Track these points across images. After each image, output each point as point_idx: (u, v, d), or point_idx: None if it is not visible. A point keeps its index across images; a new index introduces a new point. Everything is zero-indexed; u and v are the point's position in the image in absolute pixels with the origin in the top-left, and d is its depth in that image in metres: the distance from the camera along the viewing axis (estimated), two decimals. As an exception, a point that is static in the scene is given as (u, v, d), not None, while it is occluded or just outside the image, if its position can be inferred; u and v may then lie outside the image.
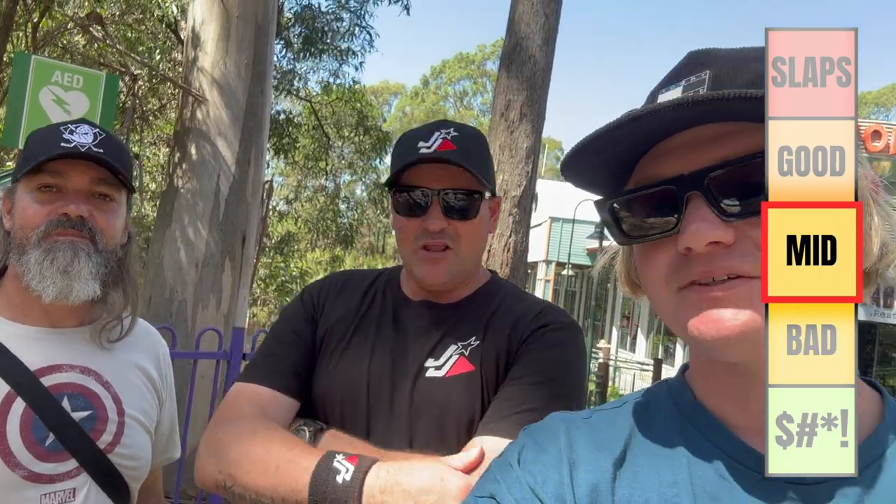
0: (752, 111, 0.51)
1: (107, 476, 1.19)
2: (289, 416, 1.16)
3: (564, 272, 20.79)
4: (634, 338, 19.97)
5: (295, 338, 1.23)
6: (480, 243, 1.23)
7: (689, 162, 0.57)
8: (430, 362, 1.16)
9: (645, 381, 14.18)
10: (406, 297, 1.26)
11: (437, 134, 1.18)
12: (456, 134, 1.18)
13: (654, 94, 0.63)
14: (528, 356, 1.13)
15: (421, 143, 1.17)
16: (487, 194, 1.20)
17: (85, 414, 1.19)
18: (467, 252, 1.19)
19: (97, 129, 1.23)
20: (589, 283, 22.64)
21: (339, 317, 1.24)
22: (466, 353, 1.16)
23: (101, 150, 1.19)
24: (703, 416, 0.62)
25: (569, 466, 0.63)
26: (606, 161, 0.63)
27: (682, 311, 0.57)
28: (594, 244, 16.59)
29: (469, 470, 0.93)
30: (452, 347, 1.17)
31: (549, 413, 1.06)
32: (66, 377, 1.19)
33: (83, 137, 1.19)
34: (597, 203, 0.66)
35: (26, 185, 1.19)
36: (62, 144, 1.17)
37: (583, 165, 0.64)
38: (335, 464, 0.94)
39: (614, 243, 0.70)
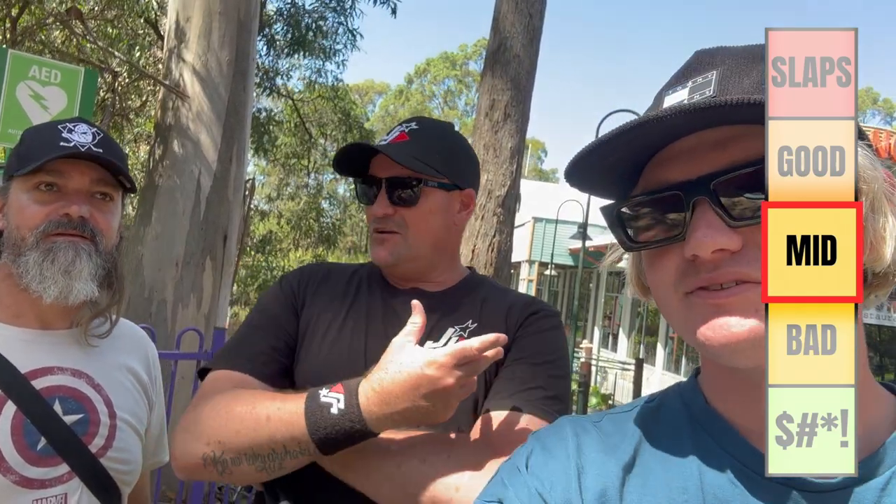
0: (758, 115, 0.50)
1: (98, 480, 1.17)
2: None
3: (547, 272, 20.87)
4: (616, 338, 20.10)
5: (273, 322, 1.20)
6: (433, 231, 1.23)
7: (695, 167, 0.57)
8: (429, 344, 1.16)
9: (627, 381, 14.28)
10: (392, 286, 1.27)
11: (399, 127, 1.25)
12: (416, 127, 1.24)
13: (660, 96, 0.62)
14: (527, 339, 1.17)
15: (384, 136, 1.24)
16: (437, 184, 1.22)
17: (77, 417, 1.17)
18: (415, 238, 1.21)
19: (95, 129, 1.22)
20: (572, 283, 22.75)
21: (324, 304, 1.23)
22: (465, 335, 1.17)
23: (101, 150, 1.17)
24: (715, 421, 0.61)
25: (577, 471, 0.62)
26: (611, 165, 0.62)
27: (689, 317, 0.57)
28: (577, 244, 16.68)
29: (459, 358, 0.93)
30: (451, 330, 1.18)
31: (553, 390, 1.11)
32: (58, 380, 1.17)
33: (82, 137, 1.17)
34: (603, 209, 0.65)
35: (23, 183, 1.17)
36: (62, 144, 1.15)
37: (587, 171, 0.63)
38: (322, 399, 0.96)
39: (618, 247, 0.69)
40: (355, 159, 1.25)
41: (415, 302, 1.00)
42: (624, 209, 0.63)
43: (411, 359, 0.94)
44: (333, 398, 0.95)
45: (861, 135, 0.57)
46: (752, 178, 0.53)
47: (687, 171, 0.57)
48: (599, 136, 0.58)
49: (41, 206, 1.15)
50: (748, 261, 0.54)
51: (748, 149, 0.55)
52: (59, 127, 1.19)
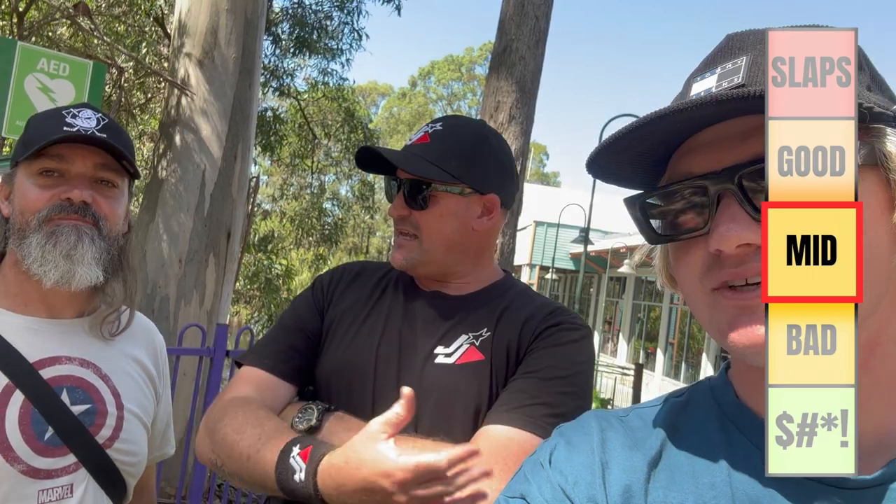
0: None
1: (104, 472, 1.16)
2: (284, 399, 1.19)
3: (548, 276, 20.86)
4: (616, 343, 20.08)
5: (298, 323, 1.26)
6: (445, 236, 1.20)
7: (720, 158, 0.55)
8: (440, 349, 1.17)
9: (626, 386, 14.27)
10: (417, 287, 1.27)
11: (425, 127, 1.25)
12: (440, 129, 1.22)
13: (688, 82, 0.61)
14: (542, 352, 1.13)
15: (412, 135, 1.25)
16: (446, 189, 1.19)
17: (84, 408, 1.15)
18: (429, 242, 1.19)
19: (100, 114, 1.20)
20: (572, 287, 22.72)
21: (348, 304, 1.26)
22: (477, 343, 1.16)
23: (105, 136, 1.16)
24: (745, 416, 0.59)
25: (601, 467, 0.61)
26: (635, 157, 0.61)
27: (715, 315, 0.56)
28: (578, 249, 16.67)
29: (452, 462, 0.89)
30: (463, 337, 1.17)
31: (561, 408, 1.06)
32: (66, 369, 1.16)
33: (86, 122, 1.16)
34: (626, 200, 0.64)
35: (26, 169, 1.16)
36: (65, 128, 1.14)
37: (609, 163, 0.62)
38: (291, 462, 0.98)
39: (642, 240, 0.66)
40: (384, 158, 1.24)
41: (406, 391, 0.92)
42: (647, 201, 0.62)
43: (372, 460, 0.89)
44: (297, 466, 0.97)
45: (885, 117, 0.53)
46: None
47: (712, 163, 0.56)
48: (620, 128, 0.56)
49: (43, 190, 1.14)
50: None
51: None
52: (63, 112, 1.18)
